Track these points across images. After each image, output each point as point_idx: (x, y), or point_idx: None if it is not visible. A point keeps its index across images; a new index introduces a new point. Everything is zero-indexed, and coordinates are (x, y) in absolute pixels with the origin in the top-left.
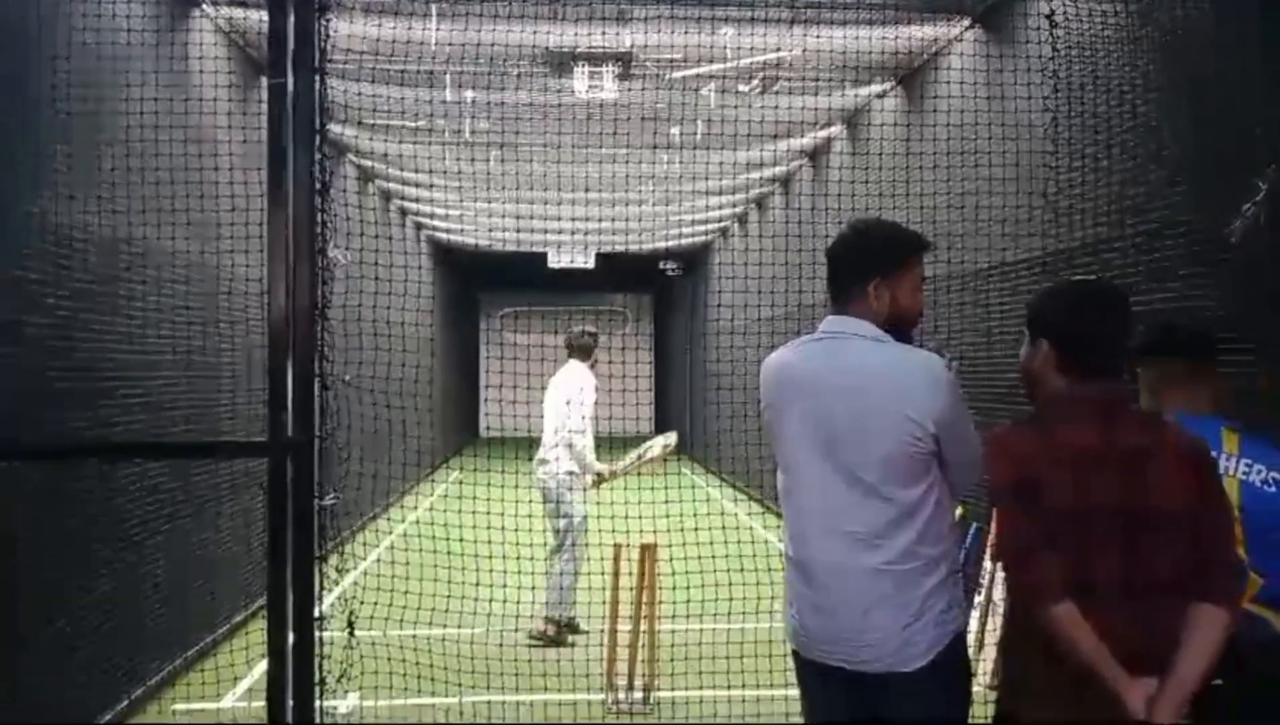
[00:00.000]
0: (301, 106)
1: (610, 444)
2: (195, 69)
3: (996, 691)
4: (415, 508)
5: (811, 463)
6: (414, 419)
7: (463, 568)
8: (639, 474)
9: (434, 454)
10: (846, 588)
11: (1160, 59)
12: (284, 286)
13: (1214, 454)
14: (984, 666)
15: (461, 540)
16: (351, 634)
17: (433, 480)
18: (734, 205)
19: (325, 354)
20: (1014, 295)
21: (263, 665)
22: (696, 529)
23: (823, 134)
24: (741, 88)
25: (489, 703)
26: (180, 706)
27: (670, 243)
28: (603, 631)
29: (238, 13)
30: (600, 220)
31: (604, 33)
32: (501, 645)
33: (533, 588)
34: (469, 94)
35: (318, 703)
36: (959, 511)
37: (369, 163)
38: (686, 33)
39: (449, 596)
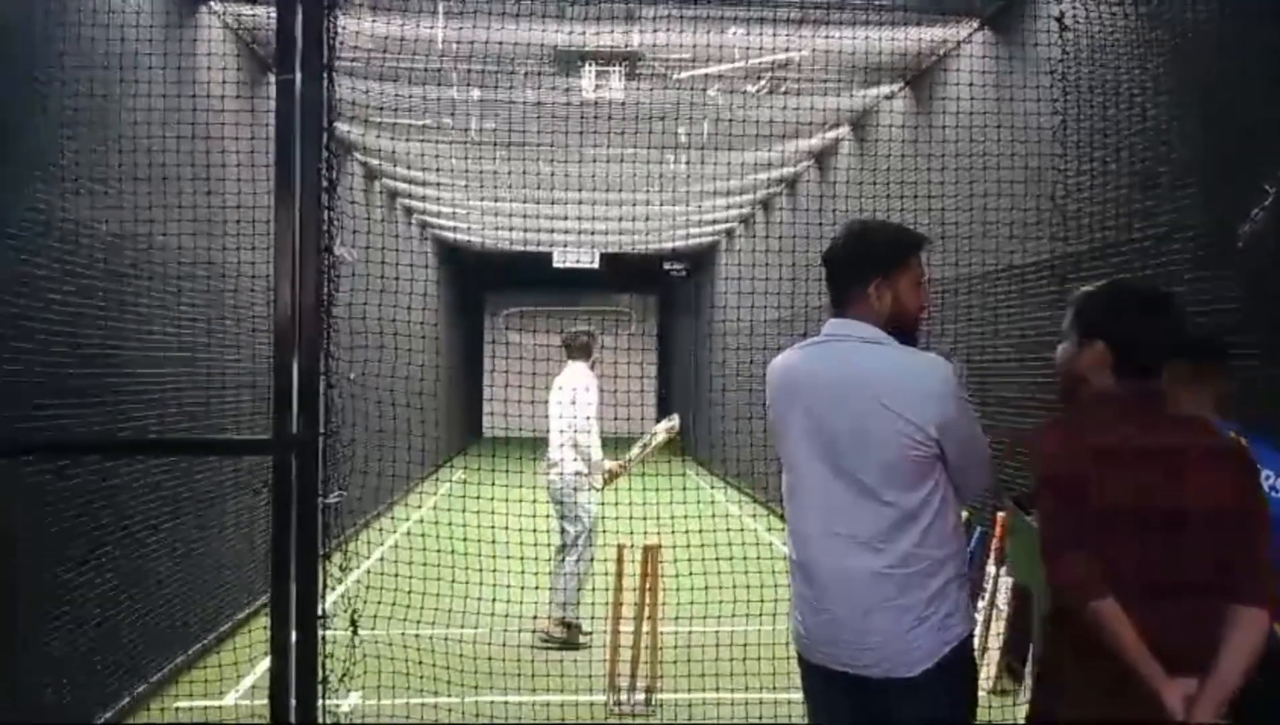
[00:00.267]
0: (309, 103)
1: (615, 444)
2: (203, 65)
3: (1030, 691)
4: (419, 507)
5: (812, 465)
6: (418, 417)
7: (466, 567)
8: (645, 462)
9: (438, 453)
10: (848, 591)
11: (1169, 62)
12: (290, 283)
13: None
14: (987, 670)
15: (465, 540)
16: (354, 632)
17: (436, 479)
18: (740, 206)
19: (330, 351)
20: (1021, 298)
21: (265, 663)
22: (700, 531)
23: (830, 135)
24: (749, 88)
25: (491, 703)
26: (183, 704)
27: (677, 243)
28: (605, 633)
29: (245, 9)
30: (607, 220)
31: (612, 32)
32: (504, 646)
33: (536, 588)
34: (475, 92)
35: (320, 701)
36: (964, 514)
37: (374, 161)
38: (695, 32)
39: (452, 596)
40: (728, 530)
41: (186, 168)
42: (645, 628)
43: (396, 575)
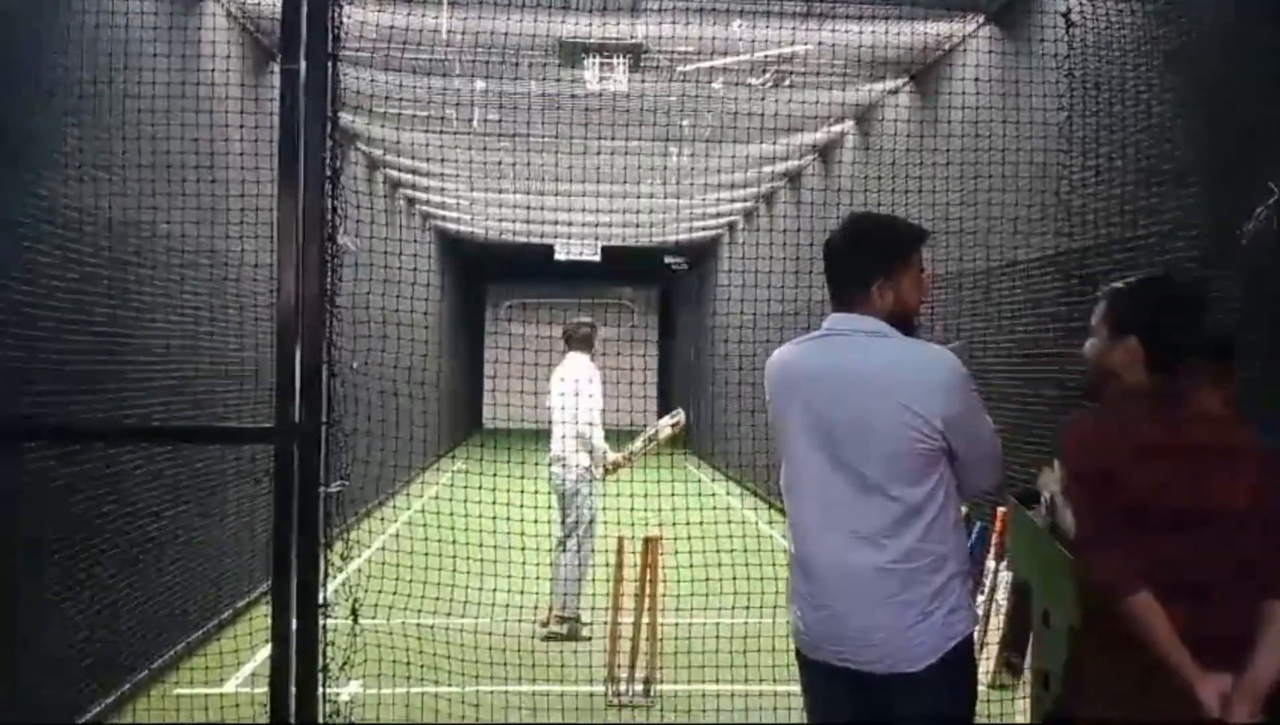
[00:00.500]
0: (313, 92)
1: (617, 437)
2: (207, 54)
3: (1056, 688)
4: (420, 496)
5: (812, 459)
6: (419, 408)
7: (466, 557)
8: (647, 455)
9: (439, 443)
10: (849, 587)
11: (1175, 60)
12: (293, 273)
13: None
14: (986, 665)
15: (466, 529)
16: (355, 621)
17: (438, 469)
18: (743, 200)
19: (333, 341)
20: (1025, 293)
21: (266, 650)
22: (700, 523)
23: (834, 130)
24: (753, 81)
25: (491, 692)
26: (183, 690)
27: (680, 236)
28: (605, 623)
29: None
30: (610, 212)
31: (617, 24)
32: (504, 635)
33: (537, 578)
34: (479, 84)
35: (320, 689)
36: (963, 510)
37: (377, 151)
38: (699, 25)
39: (452, 585)
40: (728, 523)
41: (190, 156)
42: (645, 619)
43: (398, 564)
